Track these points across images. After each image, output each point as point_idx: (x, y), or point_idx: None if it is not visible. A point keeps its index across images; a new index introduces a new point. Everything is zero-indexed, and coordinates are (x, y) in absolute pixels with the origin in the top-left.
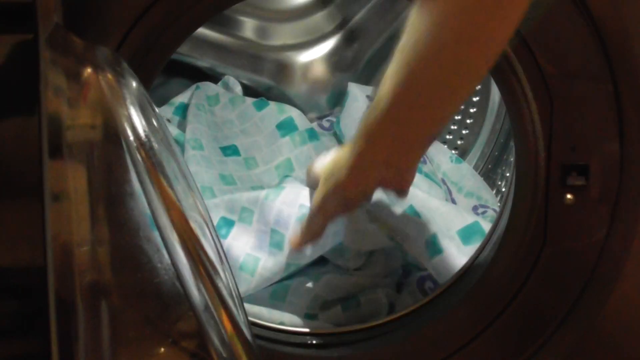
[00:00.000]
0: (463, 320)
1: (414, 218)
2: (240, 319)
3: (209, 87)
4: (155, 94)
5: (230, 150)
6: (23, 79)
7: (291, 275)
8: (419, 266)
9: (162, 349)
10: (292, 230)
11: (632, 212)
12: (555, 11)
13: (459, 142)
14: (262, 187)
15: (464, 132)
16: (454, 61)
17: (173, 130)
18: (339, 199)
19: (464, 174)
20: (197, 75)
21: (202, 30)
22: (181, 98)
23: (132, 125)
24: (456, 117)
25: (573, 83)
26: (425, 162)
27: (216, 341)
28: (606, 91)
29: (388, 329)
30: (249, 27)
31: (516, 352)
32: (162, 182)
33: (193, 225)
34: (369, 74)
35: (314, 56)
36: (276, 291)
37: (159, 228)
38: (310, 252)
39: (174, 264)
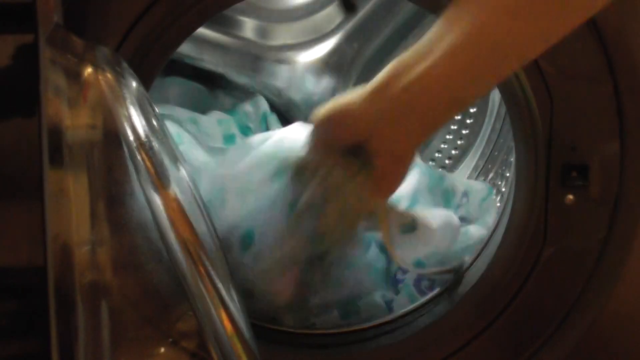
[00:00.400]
0: (463, 320)
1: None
2: (241, 319)
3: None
4: (155, 94)
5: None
6: (23, 78)
7: None
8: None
9: (162, 349)
10: None
11: (632, 212)
12: None
13: (459, 142)
14: None
15: (464, 132)
16: None
17: None
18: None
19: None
20: (197, 75)
21: (202, 30)
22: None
23: (132, 125)
24: (456, 117)
25: (573, 83)
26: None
27: (216, 341)
28: (606, 91)
29: (388, 329)
30: (249, 27)
31: (516, 352)
32: (161, 182)
33: (193, 224)
34: (368, 74)
35: (314, 56)
36: None
37: (159, 228)
38: None
39: (174, 264)
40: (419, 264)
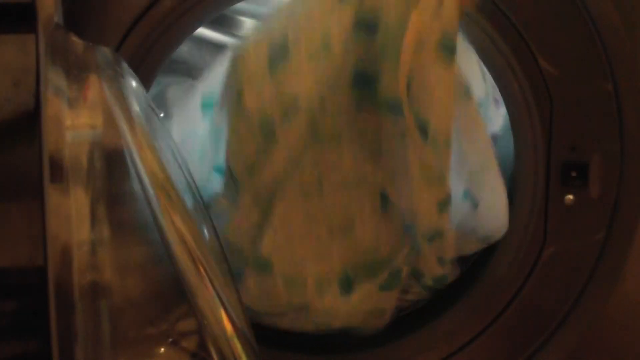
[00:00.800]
0: (463, 320)
1: None
2: (241, 319)
3: None
4: (155, 94)
5: None
6: (23, 79)
7: None
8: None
9: (162, 349)
10: None
11: (632, 212)
12: (555, 11)
13: None
14: None
15: None
16: None
17: None
18: None
19: None
20: (197, 75)
21: (202, 30)
22: None
23: (132, 125)
24: None
25: (573, 83)
26: None
27: (216, 341)
28: (606, 91)
29: (388, 329)
30: (249, 27)
31: (516, 351)
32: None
33: (193, 224)
34: None
35: None
36: None
37: (159, 228)
38: None
39: (173, 264)
40: None
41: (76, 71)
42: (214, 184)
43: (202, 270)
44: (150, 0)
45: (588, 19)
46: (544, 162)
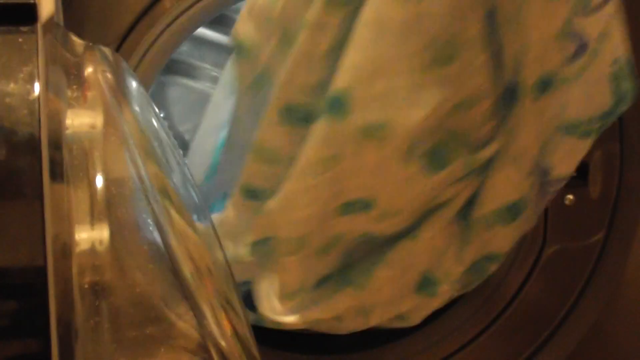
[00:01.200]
0: (463, 320)
1: None
2: (241, 319)
3: None
4: (155, 94)
5: None
6: (22, 78)
7: None
8: None
9: (162, 349)
10: None
11: (632, 212)
12: None
13: None
14: None
15: None
16: None
17: None
18: None
19: None
20: (197, 75)
21: (202, 30)
22: None
23: (132, 125)
24: None
25: None
26: None
27: (216, 341)
28: None
29: (388, 329)
30: None
31: (516, 351)
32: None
33: (193, 224)
34: None
35: None
36: None
37: (159, 228)
38: None
39: (173, 263)
40: None
41: (76, 71)
42: None
43: (201, 270)
44: (150, 0)
45: None
46: None
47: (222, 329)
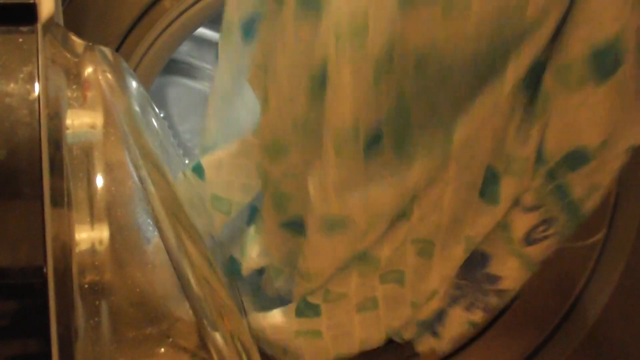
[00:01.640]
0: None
1: None
2: (241, 318)
3: None
4: (155, 94)
5: None
6: (23, 78)
7: None
8: None
9: (162, 349)
10: None
11: (632, 212)
12: None
13: None
14: None
15: None
16: None
17: None
18: None
19: None
20: (197, 75)
21: (202, 30)
22: None
23: (131, 125)
24: None
25: None
26: None
27: (216, 341)
28: None
29: None
30: None
31: (516, 352)
32: (161, 182)
33: (192, 224)
34: None
35: None
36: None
37: (158, 228)
38: None
39: (173, 263)
40: None
41: (76, 71)
42: None
43: (201, 270)
44: (150, 0)
45: None
46: None
47: (222, 329)
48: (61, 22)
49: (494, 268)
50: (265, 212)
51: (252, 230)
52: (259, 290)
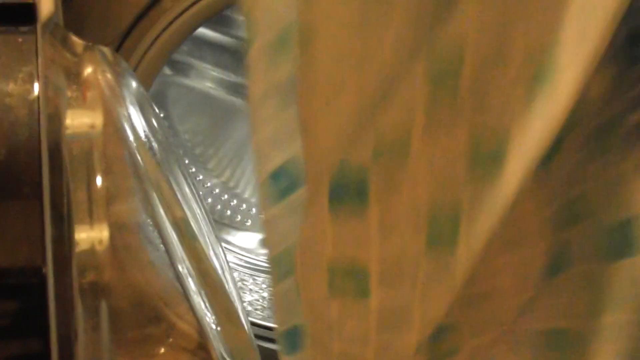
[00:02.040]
0: None
1: None
2: (240, 318)
3: None
4: (155, 94)
5: None
6: (22, 79)
7: None
8: None
9: (162, 349)
10: None
11: None
12: None
13: None
14: None
15: None
16: None
17: None
18: None
19: None
20: (197, 75)
21: (202, 30)
22: None
23: (132, 125)
24: None
25: None
26: None
27: (216, 341)
28: None
29: None
30: None
31: None
32: (161, 182)
33: (192, 224)
34: None
35: None
36: None
37: (158, 228)
38: None
39: (173, 263)
40: None
41: (76, 71)
42: None
43: (201, 269)
44: (150, 0)
45: None
46: None
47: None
48: (61, 22)
49: None
50: None
51: None
52: None
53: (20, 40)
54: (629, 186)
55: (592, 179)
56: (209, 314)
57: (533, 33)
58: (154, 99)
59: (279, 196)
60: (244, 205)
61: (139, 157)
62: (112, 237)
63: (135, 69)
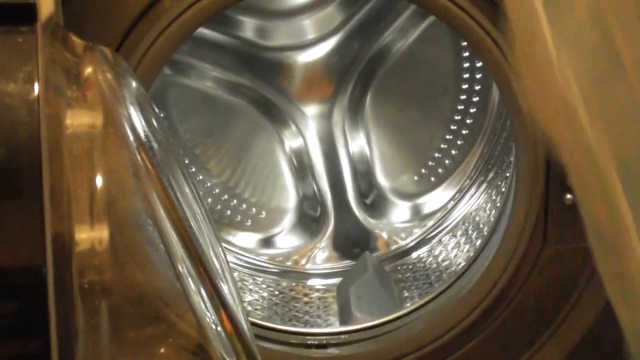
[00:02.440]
0: (463, 320)
1: None
2: (240, 319)
3: None
4: (155, 94)
5: None
6: (23, 78)
7: None
8: None
9: (162, 349)
10: None
11: None
12: None
13: (459, 142)
14: None
15: (464, 132)
16: None
17: None
18: None
19: None
20: (197, 75)
21: (202, 30)
22: None
23: (132, 125)
24: (456, 117)
25: None
26: None
27: (216, 341)
28: None
29: (388, 329)
30: (248, 27)
31: (516, 352)
32: (161, 182)
33: (192, 224)
34: (368, 75)
35: (314, 56)
36: None
37: (158, 228)
38: None
39: (173, 263)
40: None
41: (76, 71)
42: None
43: (201, 269)
44: (150, 0)
45: None
46: (543, 162)
47: (222, 329)
48: (61, 22)
49: None
50: None
51: None
52: None
53: (20, 40)
54: None
55: None
56: (209, 314)
57: None
58: (154, 99)
59: None
60: (244, 205)
61: (138, 157)
62: (112, 237)
63: (135, 69)
